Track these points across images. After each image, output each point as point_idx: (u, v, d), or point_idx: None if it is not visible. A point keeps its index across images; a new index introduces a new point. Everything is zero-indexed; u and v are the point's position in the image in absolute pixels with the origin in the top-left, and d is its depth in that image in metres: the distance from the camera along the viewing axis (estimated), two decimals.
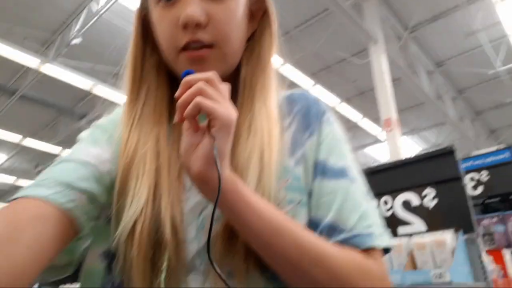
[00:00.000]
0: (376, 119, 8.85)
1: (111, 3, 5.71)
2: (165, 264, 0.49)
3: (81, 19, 6.15)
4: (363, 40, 6.02)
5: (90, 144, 0.58)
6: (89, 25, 6.05)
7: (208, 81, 0.46)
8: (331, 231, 0.52)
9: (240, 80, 0.61)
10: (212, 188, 0.45)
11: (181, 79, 0.48)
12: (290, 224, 0.48)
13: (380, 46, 5.91)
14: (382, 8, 6.30)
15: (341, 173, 0.56)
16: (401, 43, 6.74)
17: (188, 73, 0.48)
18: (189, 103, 0.45)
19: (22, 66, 7.18)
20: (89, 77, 7.02)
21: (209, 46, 0.55)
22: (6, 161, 11.07)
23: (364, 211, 0.53)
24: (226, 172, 0.46)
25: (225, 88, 0.48)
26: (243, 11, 0.59)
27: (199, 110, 0.44)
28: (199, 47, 0.55)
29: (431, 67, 7.87)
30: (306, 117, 0.61)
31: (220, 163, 0.44)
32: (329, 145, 0.58)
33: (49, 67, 6.44)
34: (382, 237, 0.53)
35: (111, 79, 7.47)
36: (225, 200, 0.46)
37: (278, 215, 0.48)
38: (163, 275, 0.48)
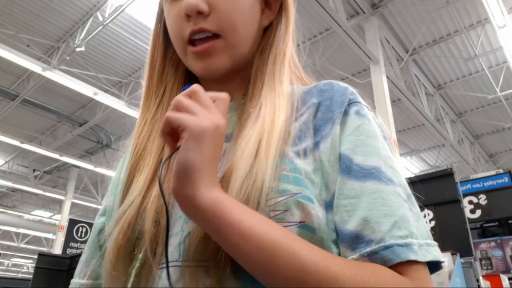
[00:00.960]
0: None
1: (116, 13, 5.77)
2: (140, 255, 0.47)
3: (86, 28, 6.21)
4: (364, 60, 6.07)
5: (109, 195, 0.63)
6: (93, 34, 6.10)
7: (191, 93, 0.45)
8: (354, 242, 0.43)
9: (252, 71, 0.59)
10: (186, 207, 0.42)
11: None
12: (289, 241, 0.40)
13: (380, 66, 5.97)
14: (383, 30, 6.38)
15: (370, 174, 0.46)
16: (401, 64, 6.80)
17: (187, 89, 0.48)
18: None
19: (25, 71, 7.23)
20: (90, 85, 7.04)
21: (215, 36, 0.54)
22: (3, 165, 11.01)
23: (401, 217, 0.43)
24: (200, 189, 0.41)
25: (220, 100, 0.47)
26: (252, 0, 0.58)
27: (170, 125, 0.43)
28: (204, 38, 0.54)
29: (430, 89, 7.93)
30: (328, 108, 0.53)
31: (192, 177, 0.41)
32: (357, 140, 0.49)
33: (51, 74, 6.47)
34: (424, 248, 0.42)
35: (113, 88, 7.51)
36: (205, 221, 0.41)
37: (271, 233, 0.40)
38: (136, 265, 0.47)
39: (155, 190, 0.51)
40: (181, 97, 0.44)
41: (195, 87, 0.46)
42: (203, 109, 0.44)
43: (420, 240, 0.42)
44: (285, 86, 0.56)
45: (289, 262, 0.38)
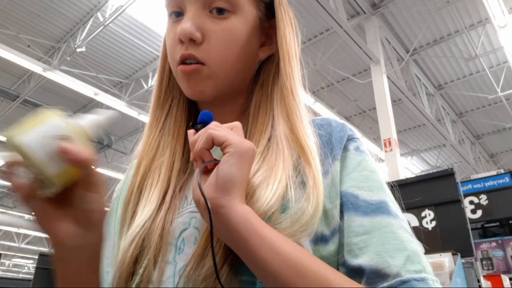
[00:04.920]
0: (375, 139, 8.86)
1: (117, 14, 5.78)
2: (141, 270, 0.48)
3: (87, 29, 6.21)
4: (365, 61, 6.07)
5: None
6: (94, 34, 6.10)
7: (216, 126, 0.47)
8: (369, 277, 0.43)
9: (252, 104, 0.58)
10: (218, 217, 0.42)
11: (199, 118, 0.50)
12: (315, 262, 0.41)
13: (381, 67, 5.96)
14: (383, 30, 6.38)
15: (379, 208, 0.47)
16: (402, 65, 6.80)
17: (205, 114, 0.50)
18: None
19: (25, 71, 7.23)
20: (91, 86, 7.05)
21: (202, 63, 0.54)
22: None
23: (412, 251, 0.44)
24: (235, 202, 0.42)
25: (236, 127, 0.48)
26: (249, 32, 0.56)
27: (212, 141, 0.44)
28: (193, 63, 0.54)
29: (431, 89, 7.92)
30: (327, 143, 0.53)
31: (230, 190, 0.42)
32: (361, 176, 0.50)
33: (52, 74, 6.48)
34: (437, 284, 0.43)
35: (113, 88, 7.51)
36: (235, 234, 0.41)
37: (300, 252, 0.41)
38: (136, 280, 0.47)
39: (166, 203, 0.52)
40: (213, 126, 0.46)
41: (215, 123, 0.48)
42: (234, 133, 0.46)
43: (431, 275, 0.43)
44: (299, 125, 0.54)
45: (317, 282, 0.39)
